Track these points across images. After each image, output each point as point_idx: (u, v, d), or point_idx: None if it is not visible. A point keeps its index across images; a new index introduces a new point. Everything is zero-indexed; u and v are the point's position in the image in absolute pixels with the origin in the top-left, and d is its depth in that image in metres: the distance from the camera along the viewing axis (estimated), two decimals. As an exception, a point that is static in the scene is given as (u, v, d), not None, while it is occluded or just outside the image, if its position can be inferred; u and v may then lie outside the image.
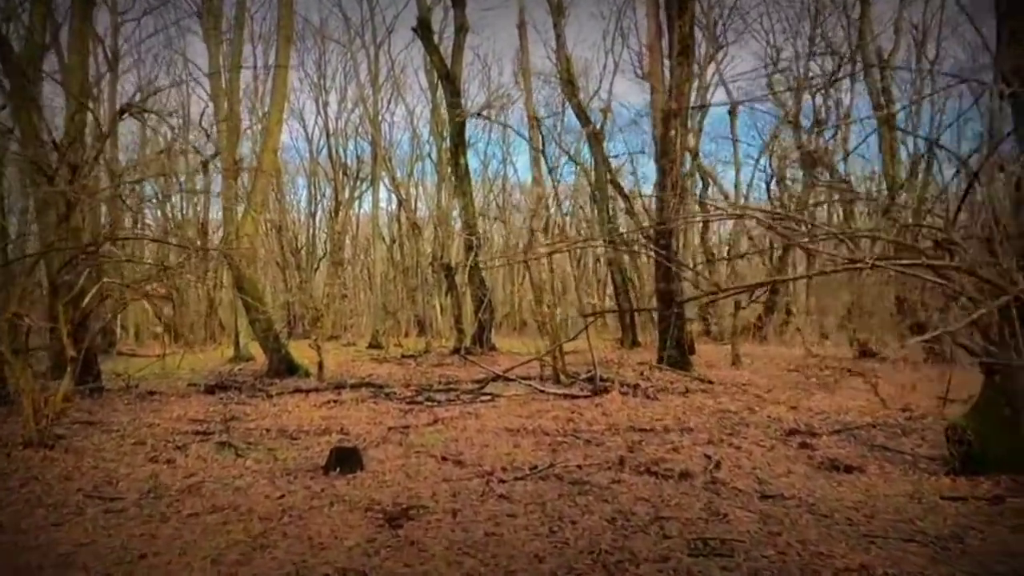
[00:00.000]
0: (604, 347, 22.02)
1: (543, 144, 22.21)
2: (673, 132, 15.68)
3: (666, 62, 16.61)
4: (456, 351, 21.34)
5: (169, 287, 10.72)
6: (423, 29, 21.37)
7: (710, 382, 14.10)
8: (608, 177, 25.73)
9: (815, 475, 6.49)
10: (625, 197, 30.04)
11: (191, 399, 11.72)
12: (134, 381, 13.12)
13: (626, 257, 28.33)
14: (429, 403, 10.85)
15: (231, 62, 15.65)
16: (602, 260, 49.09)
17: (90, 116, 11.03)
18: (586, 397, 11.55)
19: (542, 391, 11.75)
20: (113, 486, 6.04)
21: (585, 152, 32.84)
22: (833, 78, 28.35)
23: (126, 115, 7.30)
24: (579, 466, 6.65)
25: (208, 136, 30.06)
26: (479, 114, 15.52)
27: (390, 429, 8.77)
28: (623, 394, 11.82)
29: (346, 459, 6.48)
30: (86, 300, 7.55)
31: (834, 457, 7.09)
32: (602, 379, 12.75)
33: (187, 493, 5.80)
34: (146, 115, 12.54)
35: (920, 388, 13.78)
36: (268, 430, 8.81)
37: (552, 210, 25.98)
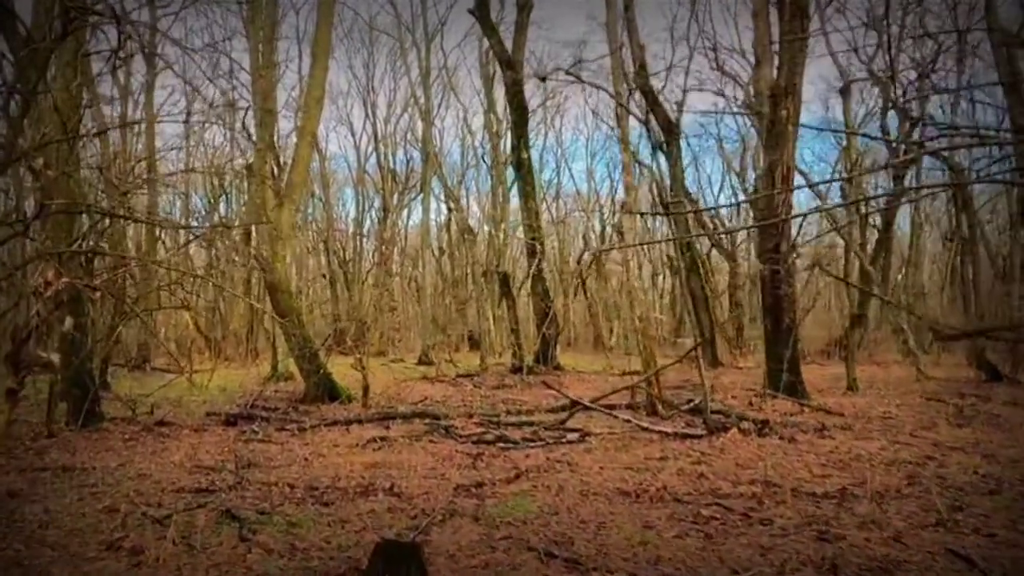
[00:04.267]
0: (679, 367, 19.32)
1: (649, 116, 19.41)
2: (785, 112, 13.06)
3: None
4: (517, 369, 18.91)
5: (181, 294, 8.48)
6: (481, 9, 19.15)
7: (841, 414, 11.39)
8: (681, 178, 23.10)
9: None
10: (693, 202, 27.37)
11: (206, 433, 9.50)
12: (147, 406, 11.01)
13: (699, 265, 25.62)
14: (503, 445, 8.40)
15: (263, 33, 13.60)
16: (660, 273, 46.36)
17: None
18: (700, 437, 8.98)
19: (645, 428, 9.20)
20: (24, 610, 3.73)
21: (644, 153, 30.30)
22: (932, 63, 25.22)
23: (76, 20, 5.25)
24: (782, 584, 4.10)
25: (251, 138, 28.42)
26: (568, 72, 13.13)
27: (457, 488, 6.34)
28: (745, 433, 9.22)
29: (398, 562, 4.06)
30: (34, 309, 5.42)
31: None
32: (714, 411, 10.16)
33: (135, 633, 3.45)
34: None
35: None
36: (292, 486, 6.47)
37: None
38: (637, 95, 27.23)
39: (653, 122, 22.17)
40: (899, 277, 37.82)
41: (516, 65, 19.21)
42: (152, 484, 6.54)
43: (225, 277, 20.92)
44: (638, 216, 24.98)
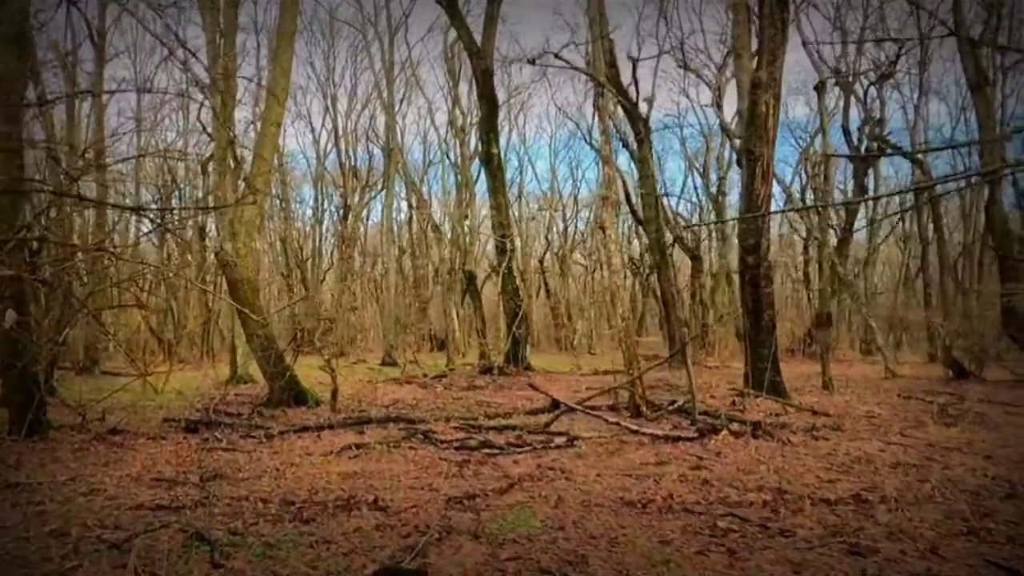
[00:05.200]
0: (646, 365, 19.03)
1: (617, 110, 19.06)
2: (764, 107, 12.82)
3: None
4: (487, 370, 18.42)
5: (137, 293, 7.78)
6: (449, -1, 18.59)
7: (826, 414, 11.17)
8: (652, 174, 22.85)
9: None
10: (656, 199, 27.26)
11: (165, 441, 8.78)
12: (97, 412, 10.21)
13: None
14: (488, 451, 7.90)
15: (226, 15, 12.82)
16: (619, 273, 46.33)
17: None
18: (692, 439, 8.62)
19: (635, 431, 8.79)
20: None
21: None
22: (893, 63, 25.50)
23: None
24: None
25: (207, 133, 27.28)
26: (556, 55, 12.57)
27: (449, 501, 5.83)
28: (737, 435, 8.89)
29: (404, 592, 3.56)
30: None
31: None
32: (700, 412, 9.83)
33: None
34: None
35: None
36: (265, 501, 5.87)
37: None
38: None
39: (622, 117, 21.89)
40: (853, 276, 38.51)
41: (486, 56, 18.69)
42: (107, 501, 5.87)
43: (180, 274, 19.91)
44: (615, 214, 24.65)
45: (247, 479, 6.70)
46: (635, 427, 8.91)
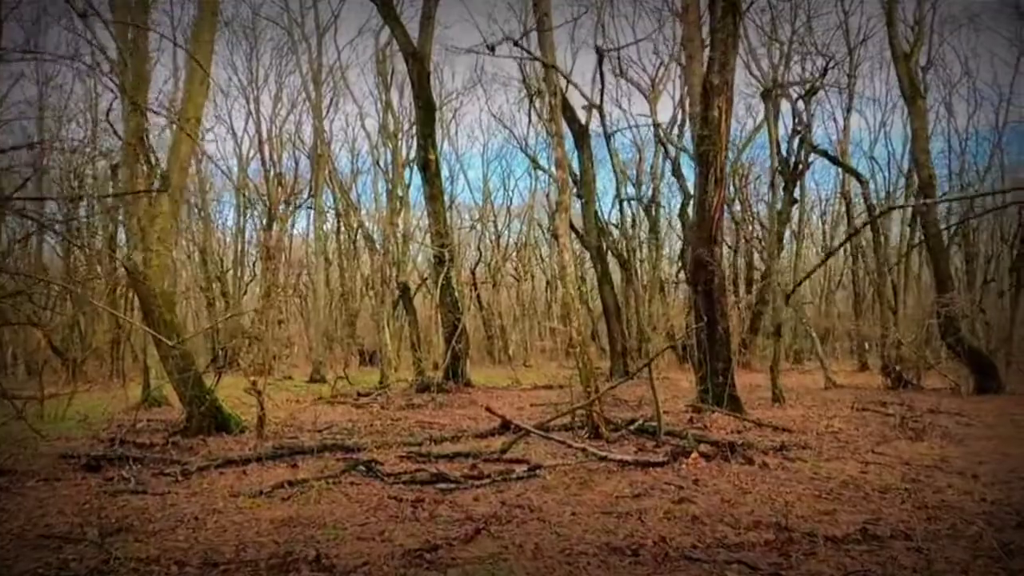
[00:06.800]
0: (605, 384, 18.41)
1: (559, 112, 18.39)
2: (717, 112, 12.41)
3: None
4: (426, 387, 17.41)
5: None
6: (382, -5, 17.63)
7: (788, 430, 10.75)
8: (592, 182, 22.41)
9: None
10: (596, 213, 26.84)
11: (59, 484, 7.48)
12: (-20, 448, 8.78)
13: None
14: (443, 486, 6.99)
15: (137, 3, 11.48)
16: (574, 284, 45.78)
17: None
18: (662, 464, 7.93)
19: (604, 457, 8.02)
20: None
21: (543, 158, 29.51)
22: (823, 75, 25.89)
23: None
24: None
25: (115, 132, 25.32)
26: (516, 42, 11.72)
27: (406, 555, 4.92)
28: (708, 457, 8.28)
29: None
30: None
31: None
32: (668, 433, 9.18)
33: None
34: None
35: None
36: (182, 563, 4.82)
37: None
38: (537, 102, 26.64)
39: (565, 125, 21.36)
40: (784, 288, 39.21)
41: (424, 58, 17.80)
42: (-24, 571, 4.72)
43: (83, 288, 18.10)
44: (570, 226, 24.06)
45: (159, 532, 5.60)
46: (601, 452, 8.15)
